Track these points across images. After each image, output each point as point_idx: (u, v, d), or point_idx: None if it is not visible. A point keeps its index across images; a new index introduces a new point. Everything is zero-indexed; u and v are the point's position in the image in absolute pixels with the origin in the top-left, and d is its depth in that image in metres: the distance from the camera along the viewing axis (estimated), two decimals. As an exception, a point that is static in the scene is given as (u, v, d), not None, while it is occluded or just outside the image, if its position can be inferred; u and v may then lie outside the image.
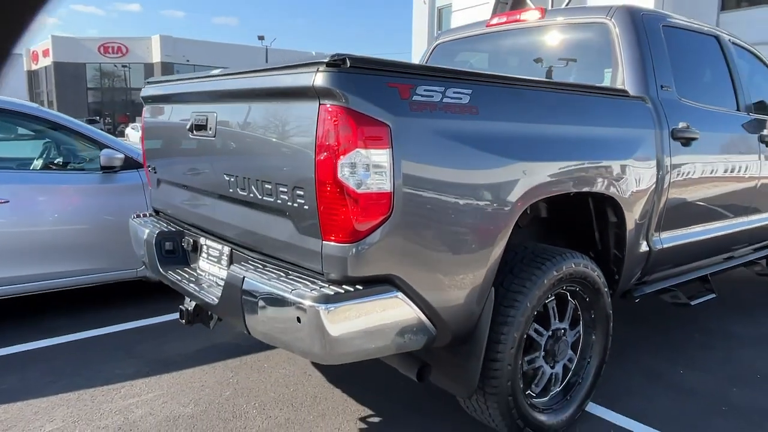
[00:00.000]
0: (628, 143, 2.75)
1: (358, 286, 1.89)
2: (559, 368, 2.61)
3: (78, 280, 3.97)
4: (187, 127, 2.54)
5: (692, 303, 3.39)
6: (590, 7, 3.31)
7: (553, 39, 3.47)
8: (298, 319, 1.86)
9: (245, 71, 2.20)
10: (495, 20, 3.73)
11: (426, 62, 4.16)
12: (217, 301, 2.30)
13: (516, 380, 2.34)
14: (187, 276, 2.67)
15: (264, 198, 2.12)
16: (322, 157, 1.82)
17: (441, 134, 1.99)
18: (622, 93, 2.87)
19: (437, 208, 1.99)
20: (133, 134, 30.81)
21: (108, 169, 4.06)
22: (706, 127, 3.22)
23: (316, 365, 3.33)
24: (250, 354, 3.46)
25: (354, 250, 1.86)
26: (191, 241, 2.77)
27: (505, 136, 2.18)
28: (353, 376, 3.18)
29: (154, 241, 2.80)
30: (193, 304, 2.56)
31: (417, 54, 25.47)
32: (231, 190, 2.32)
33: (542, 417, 2.50)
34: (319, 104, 1.83)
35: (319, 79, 1.81)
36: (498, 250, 2.17)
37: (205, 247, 2.67)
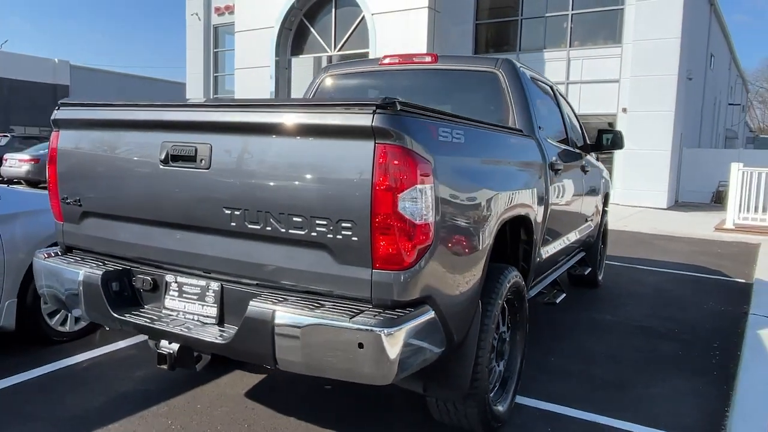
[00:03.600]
0: (534, 173, 3.35)
1: (408, 309, 2.07)
2: (502, 366, 3.06)
3: None
4: (161, 157, 2.38)
5: (557, 301, 4.18)
6: (478, 58, 3.90)
7: (446, 82, 3.98)
8: (360, 345, 1.97)
9: (267, 104, 2.20)
10: (388, 60, 4.11)
11: (314, 93, 4.34)
12: (227, 339, 2.22)
13: (489, 380, 2.72)
14: (155, 317, 2.46)
15: (290, 231, 2.15)
16: (381, 193, 1.97)
17: (454, 169, 2.29)
18: (522, 132, 3.48)
19: (455, 232, 2.28)
20: None
21: (-49, 201, 3.38)
22: (562, 159, 4.03)
23: (251, 397, 3.25)
24: (172, 398, 3.22)
25: (403, 276, 2.05)
26: (148, 279, 2.55)
27: (489, 170, 2.57)
28: (296, 401, 3.21)
29: (100, 283, 2.51)
30: (176, 346, 2.38)
31: (193, 70, 24.53)
32: (233, 224, 2.26)
33: (498, 408, 2.91)
34: (375, 143, 1.98)
35: (377, 120, 1.96)
36: (485, 266, 2.53)
37: (174, 284, 2.50)
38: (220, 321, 2.38)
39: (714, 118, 25.22)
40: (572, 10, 16.48)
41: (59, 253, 2.85)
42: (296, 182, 2.13)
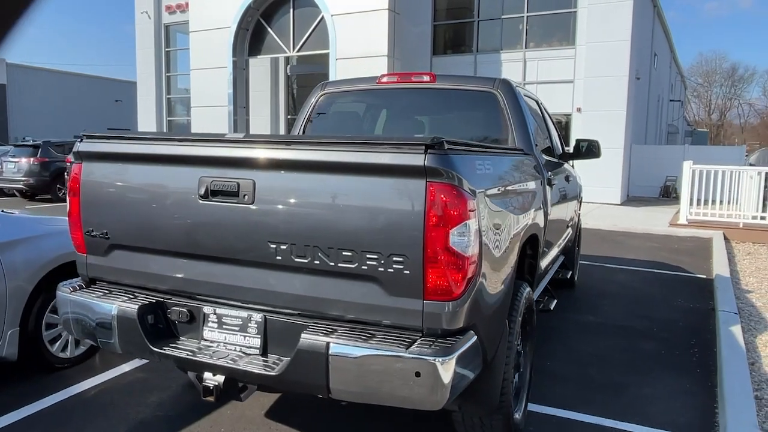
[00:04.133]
0: (538, 191, 3.52)
1: (457, 336, 2.19)
2: (517, 377, 3.22)
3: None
4: (200, 192, 2.41)
5: (551, 308, 4.38)
6: (475, 77, 4.05)
7: (444, 102, 4.10)
8: (417, 374, 2.08)
9: (314, 142, 2.26)
10: (386, 78, 4.20)
11: (311, 111, 4.39)
12: (279, 371, 2.28)
13: (512, 393, 2.87)
14: (195, 349, 2.49)
15: (339, 265, 2.23)
16: (433, 229, 2.08)
17: (489, 199, 2.42)
18: (523, 152, 3.65)
19: (492, 259, 2.41)
20: None
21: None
22: (554, 173, 4.23)
23: (272, 418, 3.31)
24: (193, 423, 3.23)
25: (453, 306, 2.16)
26: (184, 311, 2.57)
27: (511, 195, 2.71)
28: (316, 420, 3.28)
29: (137, 316, 2.52)
30: (221, 378, 2.42)
31: (144, 69, 23.84)
32: (279, 258, 2.32)
33: (516, 416, 3.07)
34: (427, 181, 2.09)
35: (429, 160, 2.06)
36: (511, 287, 2.68)
37: (213, 316, 2.53)
38: (264, 352, 2.43)
39: (658, 115, 26.38)
40: (527, 12, 16.91)
41: (83, 286, 2.82)
42: (345, 218, 2.21)
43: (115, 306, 2.58)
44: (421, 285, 2.14)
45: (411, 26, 17.67)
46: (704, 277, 7.46)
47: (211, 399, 2.43)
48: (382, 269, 2.17)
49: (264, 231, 2.34)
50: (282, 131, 19.90)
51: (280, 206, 2.31)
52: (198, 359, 2.43)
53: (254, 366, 2.34)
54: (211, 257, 2.49)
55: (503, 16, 17.38)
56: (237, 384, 2.49)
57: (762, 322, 5.45)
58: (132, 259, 2.69)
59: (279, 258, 2.33)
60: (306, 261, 2.28)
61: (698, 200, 11.41)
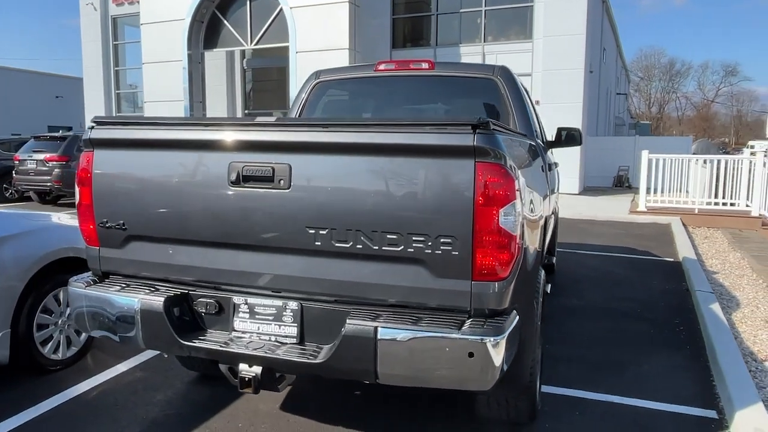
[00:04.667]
0: (543, 175, 3.58)
1: (504, 316, 2.20)
2: (534, 358, 3.27)
3: None
4: (232, 178, 2.33)
5: (548, 291, 4.45)
6: (475, 64, 4.07)
7: (444, 89, 4.10)
8: (471, 354, 2.07)
9: (356, 124, 2.22)
10: (383, 66, 4.17)
11: (306, 100, 4.31)
12: (323, 358, 2.23)
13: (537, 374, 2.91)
14: (227, 340, 2.41)
15: (383, 248, 2.20)
16: (483, 209, 2.08)
17: (524, 180, 2.44)
18: (526, 137, 3.69)
19: (529, 239, 2.44)
20: None
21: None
22: (549, 158, 4.31)
23: (288, 410, 3.24)
24: (208, 420, 3.14)
25: (499, 286, 2.17)
26: (212, 302, 2.49)
27: (534, 176, 2.75)
28: (334, 409, 3.25)
29: (163, 309, 2.42)
30: (258, 369, 2.35)
31: (90, 64, 22.90)
32: (318, 243, 2.27)
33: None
34: (475, 161, 2.08)
35: (478, 139, 2.06)
36: (539, 269, 2.71)
37: (243, 306, 2.46)
38: (301, 340, 2.38)
39: (607, 108, 27.25)
40: (485, 6, 17.13)
41: (96, 280, 2.69)
42: (390, 200, 2.17)
43: (138, 299, 2.47)
44: (469, 266, 2.13)
45: (370, 18, 17.60)
46: (671, 260, 7.76)
47: (249, 390, 2.36)
48: (429, 251, 2.15)
49: (302, 216, 2.28)
50: (240, 126, 19.47)
51: (319, 191, 2.26)
52: (234, 350, 2.35)
53: (295, 355, 2.29)
54: (241, 245, 2.41)
55: (461, 10, 17.54)
56: (275, 374, 2.43)
57: (733, 300, 5.72)
58: (153, 251, 2.57)
59: (318, 243, 2.27)
60: (347, 246, 2.24)
61: (655, 188, 11.85)
